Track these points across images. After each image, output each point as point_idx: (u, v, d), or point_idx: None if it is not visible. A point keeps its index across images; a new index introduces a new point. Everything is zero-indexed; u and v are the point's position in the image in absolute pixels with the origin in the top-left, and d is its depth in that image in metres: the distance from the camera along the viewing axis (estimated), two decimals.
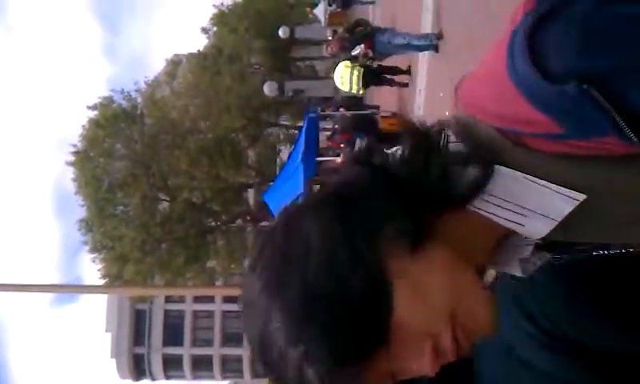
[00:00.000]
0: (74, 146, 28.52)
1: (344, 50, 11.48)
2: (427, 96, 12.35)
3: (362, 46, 11.04)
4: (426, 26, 12.49)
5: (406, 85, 13.78)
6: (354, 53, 11.19)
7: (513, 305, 1.09)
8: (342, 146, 17.16)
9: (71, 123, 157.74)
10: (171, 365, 60.51)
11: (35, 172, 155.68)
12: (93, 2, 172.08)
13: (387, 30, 11.79)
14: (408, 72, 13.79)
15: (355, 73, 11.25)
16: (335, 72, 11.80)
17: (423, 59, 12.77)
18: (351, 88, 11.61)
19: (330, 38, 18.09)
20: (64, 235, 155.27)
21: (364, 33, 11.32)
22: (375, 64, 12.69)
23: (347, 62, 11.76)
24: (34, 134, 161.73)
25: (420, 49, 11.43)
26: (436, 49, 10.86)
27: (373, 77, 12.11)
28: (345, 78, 11.41)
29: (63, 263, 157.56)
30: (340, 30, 16.64)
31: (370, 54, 11.26)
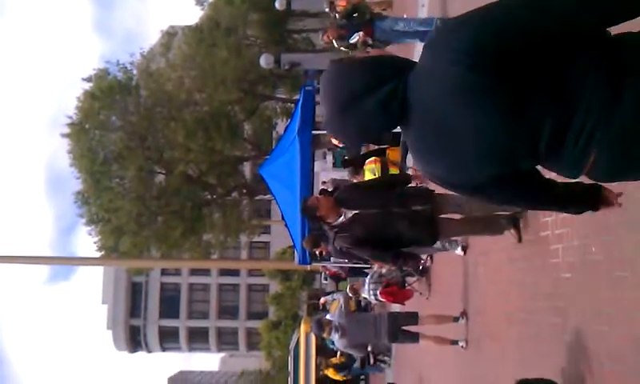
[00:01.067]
0: (70, 117, 28.37)
1: (341, 39, 10.66)
2: None
3: (361, 33, 10.19)
4: (424, 6, 12.39)
5: None
6: (352, 40, 10.43)
7: (438, 44, 1.75)
8: None
9: (63, 102, 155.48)
10: (167, 337, 60.84)
11: (25, 151, 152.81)
12: None
13: (388, 17, 11.11)
14: None
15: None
16: None
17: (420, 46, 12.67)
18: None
19: (327, 10, 17.89)
20: (56, 215, 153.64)
21: (363, 19, 10.54)
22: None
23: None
24: (25, 114, 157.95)
25: (423, 36, 10.73)
26: None
27: None
28: None
29: (56, 242, 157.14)
30: (338, 4, 16.38)
31: (369, 41, 10.50)
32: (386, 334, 8.76)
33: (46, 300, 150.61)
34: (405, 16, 12.13)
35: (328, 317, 9.53)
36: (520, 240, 5.95)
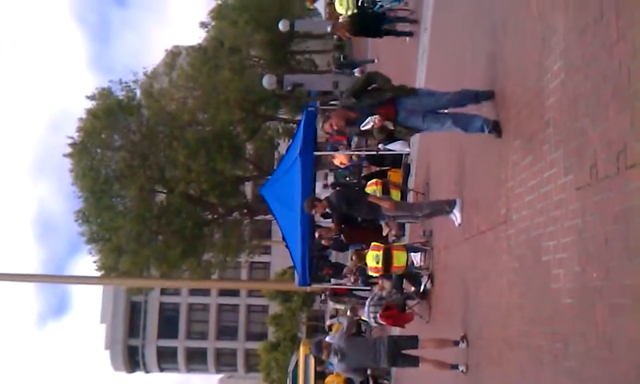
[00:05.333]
0: (71, 137, 28.44)
1: (350, 124, 7.40)
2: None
3: (376, 117, 7.03)
4: (426, 29, 12.42)
5: (410, 34, 14.38)
6: (365, 127, 7.17)
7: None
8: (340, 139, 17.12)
9: (50, 144, 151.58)
10: (165, 357, 60.50)
11: (12, 196, 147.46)
12: (77, 9, 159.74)
13: (420, 92, 7.46)
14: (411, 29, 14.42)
15: None
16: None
17: (424, 55, 12.73)
18: (348, 9, 13.76)
19: (328, 30, 18.01)
20: (46, 258, 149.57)
21: (381, 98, 7.15)
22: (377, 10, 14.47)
23: None
24: (10, 159, 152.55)
25: (470, 127, 7.20)
26: (499, 133, 6.86)
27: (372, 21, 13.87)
28: (344, 1, 13.84)
29: (45, 286, 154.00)
30: (341, 26, 16.48)
31: (390, 126, 7.20)
32: (386, 358, 8.70)
33: (39, 332, 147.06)
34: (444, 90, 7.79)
35: (328, 339, 9.50)
36: None
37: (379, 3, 14.22)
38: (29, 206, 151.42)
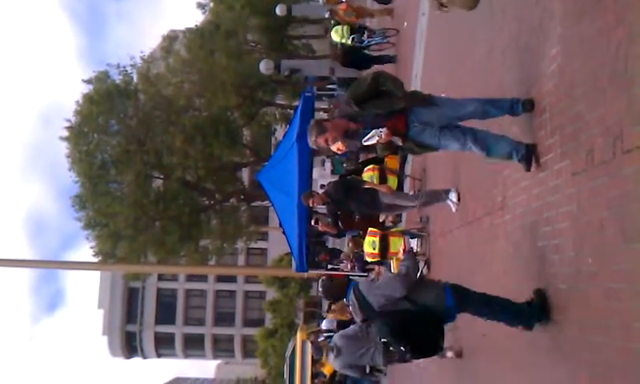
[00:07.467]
0: (68, 120, 28.33)
1: (350, 137, 6.00)
2: (423, 81, 12.29)
3: (383, 131, 5.69)
4: (424, 14, 12.35)
5: (393, 59, 16.01)
6: (369, 142, 5.87)
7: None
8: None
9: (40, 144, 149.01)
10: (163, 343, 60.62)
11: (5, 189, 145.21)
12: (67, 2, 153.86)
13: (437, 100, 5.89)
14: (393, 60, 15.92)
15: (345, 27, 16.05)
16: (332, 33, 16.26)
17: (421, 40, 12.68)
18: (343, 37, 15.99)
19: (326, 16, 17.90)
20: (39, 255, 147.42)
21: (391, 108, 5.77)
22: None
23: (338, 28, 16.15)
24: (9, 156, 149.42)
25: (494, 151, 5.83)
26: (528, 163, 5.57)
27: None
28: (338, 32, 15.95)
29: (36, 287, 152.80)
30: (339, 9, 16.46)
31: (398, 141, 5.88)
32: (382, 358, 8.72)
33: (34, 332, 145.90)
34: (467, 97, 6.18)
35: (324, 324, 9.52)
36: None
37: (366, 41, 16.43)
38: (19, 204, 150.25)
